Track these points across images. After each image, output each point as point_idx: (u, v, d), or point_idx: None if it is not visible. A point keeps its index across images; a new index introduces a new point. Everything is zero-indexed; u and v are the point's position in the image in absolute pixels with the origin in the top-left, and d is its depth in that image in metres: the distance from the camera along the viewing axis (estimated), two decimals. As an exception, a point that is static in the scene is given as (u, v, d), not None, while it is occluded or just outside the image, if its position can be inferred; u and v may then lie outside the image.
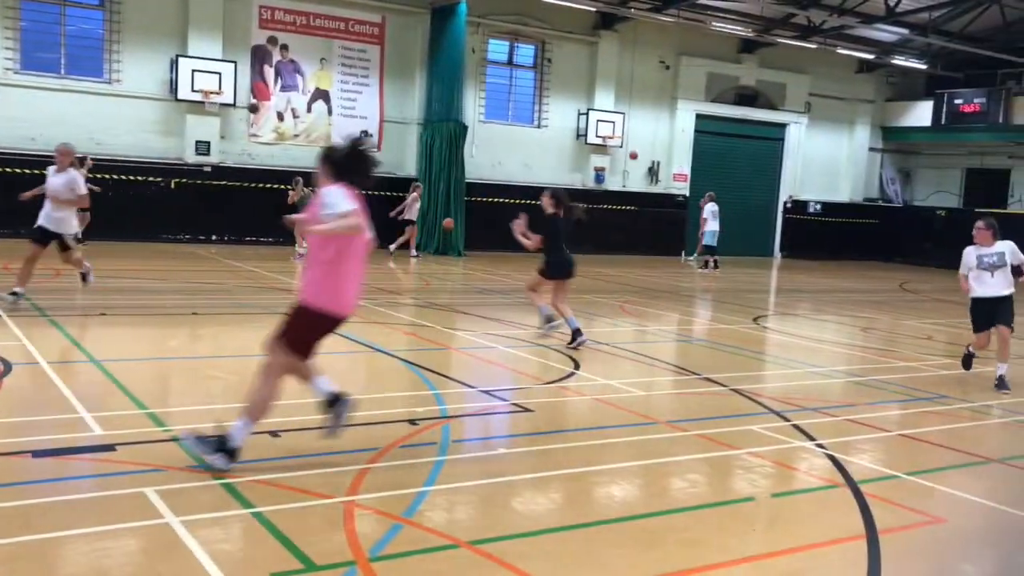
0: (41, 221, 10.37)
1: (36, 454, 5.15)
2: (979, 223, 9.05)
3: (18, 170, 17.84)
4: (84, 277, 11.03)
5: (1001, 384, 8.75)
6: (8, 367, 7.21)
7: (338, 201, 4.91)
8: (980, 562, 4.75)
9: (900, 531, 4.85)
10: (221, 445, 4.97)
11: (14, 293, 10.09)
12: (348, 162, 5.15)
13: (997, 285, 8.90)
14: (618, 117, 25.45)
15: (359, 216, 4.94)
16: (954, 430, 7.23)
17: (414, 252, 20.81)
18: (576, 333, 9.82)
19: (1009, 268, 8.91)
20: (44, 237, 10.31)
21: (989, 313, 8.97)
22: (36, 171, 16.04)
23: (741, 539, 4.65)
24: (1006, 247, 8.93)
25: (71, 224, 10.60)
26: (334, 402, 5.37)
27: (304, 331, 5.14)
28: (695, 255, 24.54)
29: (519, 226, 10.04)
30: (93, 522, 4.28)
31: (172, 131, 20.35)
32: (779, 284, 21.64)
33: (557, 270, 10.10)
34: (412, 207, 20.45)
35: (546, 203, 10.14)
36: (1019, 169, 28.64)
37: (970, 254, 9.02)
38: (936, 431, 7.15)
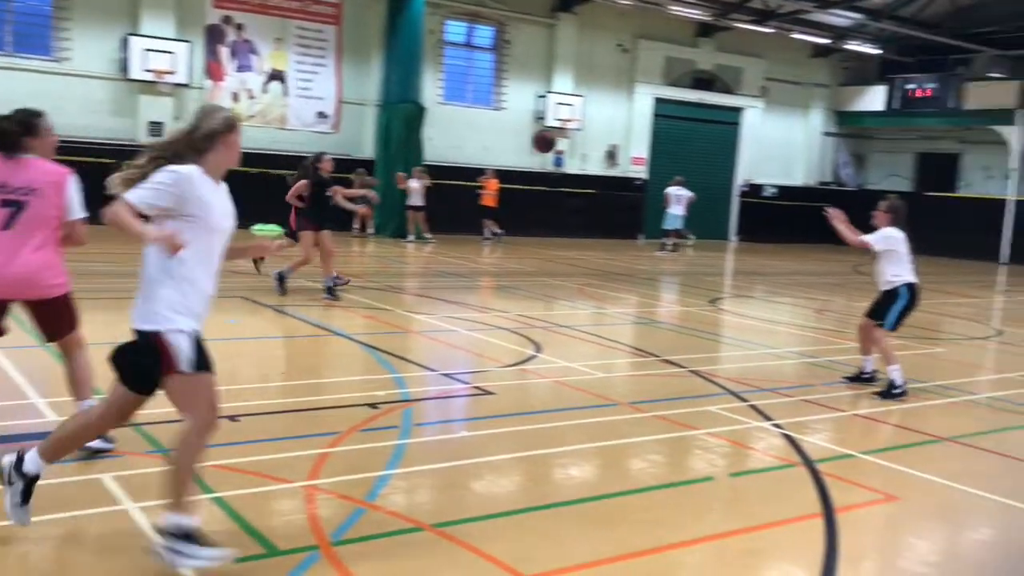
0: None
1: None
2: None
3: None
4: None
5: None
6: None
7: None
8: (935, 539, 4.86)
9: (856, 509, 4.94)
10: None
11: None
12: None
13: None
14: (577, 100, 25.46)
15: None
16: (906, 410, 7.37)
17: (423, 236, 21.26)
18: (282, 277, 11.31)
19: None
20: None
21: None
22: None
23: (700, 519, 4.71)
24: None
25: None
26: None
27: None
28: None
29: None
30: (51, 510, 4.15)
31: (124, 111, 19.93)
32: (735, 267, 21.86)
33: None
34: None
35: (329, 167, 11.71)
36: (967, 154, 29.13)
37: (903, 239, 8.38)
38: (888, 410, 7.30)
